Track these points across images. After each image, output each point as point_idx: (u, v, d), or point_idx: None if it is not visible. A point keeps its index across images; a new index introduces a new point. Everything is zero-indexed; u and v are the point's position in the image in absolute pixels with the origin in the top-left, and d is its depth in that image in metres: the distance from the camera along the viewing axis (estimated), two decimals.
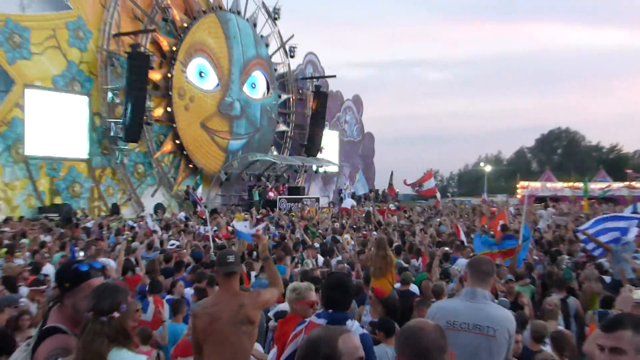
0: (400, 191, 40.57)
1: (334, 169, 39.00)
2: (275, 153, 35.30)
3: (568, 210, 26.54)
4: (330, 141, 39.65)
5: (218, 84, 31.81)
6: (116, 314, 2.92)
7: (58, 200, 24.27)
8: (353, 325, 3.83)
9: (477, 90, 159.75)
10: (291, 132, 38.38)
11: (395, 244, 12.15)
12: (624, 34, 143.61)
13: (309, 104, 39.06)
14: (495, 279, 7.66)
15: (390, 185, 37.47)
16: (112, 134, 26.04)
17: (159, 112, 28.72)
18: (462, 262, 9.45)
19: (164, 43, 28.94)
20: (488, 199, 34.96)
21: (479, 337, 3.68)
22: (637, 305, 4.55)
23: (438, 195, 30.68)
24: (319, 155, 37.60)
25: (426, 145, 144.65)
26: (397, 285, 8.18)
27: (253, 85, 34.70)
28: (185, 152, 30.00)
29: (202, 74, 30.96)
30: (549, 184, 49.34)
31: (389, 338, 5.29)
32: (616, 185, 46.72)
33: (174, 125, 29.32)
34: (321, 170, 37.17)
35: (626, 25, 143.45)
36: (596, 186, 45.06)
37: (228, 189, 32.80)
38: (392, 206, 30.26)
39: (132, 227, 18.06)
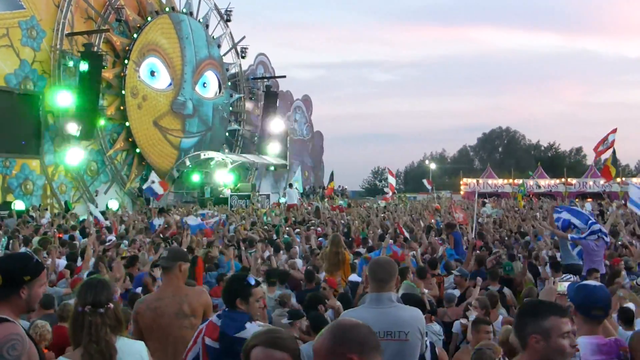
0: (349, 188, 41.09)
1: (284, 166, 39.49)
2: (227, 151, 35.62)
3: (504, 206, 28.04)
4: (280, 139, 40.14)
5: (171, 83, 32.22)
6: (111, 305, 3.11)
7: (10, 198, 24.33)
8: (251, 327, 3.59)
9: (423, 91, 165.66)
10: (242, 131, 39.11)
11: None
12: (559, 37, 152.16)
13: (260, 103, 39.88)
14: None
15: (330, 183, 38.28)
16: (64, 132, 26.18)
17: (112, 110, 28.99)
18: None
19: (117, 43, 29.28)
20: (434, 194, 36.53)
21: (391, 344, 3.58)
22: (561, 297, 4.62)
23: (389, 192, 31.37)
24: (269, 153, 38.36)
25: (374, 143, 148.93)
26: (354, 277, 8.28)
27: (205, 85, 35.14)
28: (138, 150, 30.37)
29: (154, 73, 31.28)
30: (490, 181, 51.34)
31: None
32: (553, 182, 49.61)
33: (127, 123, 29.67)
34: (271, 168, 37.80)
35: (561, 30, 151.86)
36: (535, 183, 48.01)
37: (180, 185, 33.15)
38: (341, 203, 30.98)
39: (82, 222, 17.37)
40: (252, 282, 3.81)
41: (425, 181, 42.01)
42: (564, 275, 6.77)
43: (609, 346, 3.27)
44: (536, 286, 8.44)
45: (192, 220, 14.35)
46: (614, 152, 16.45)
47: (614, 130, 16.67)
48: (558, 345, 2.57)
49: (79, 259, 9.81)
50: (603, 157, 16.81)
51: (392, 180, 32.46)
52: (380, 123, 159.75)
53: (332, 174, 38.98)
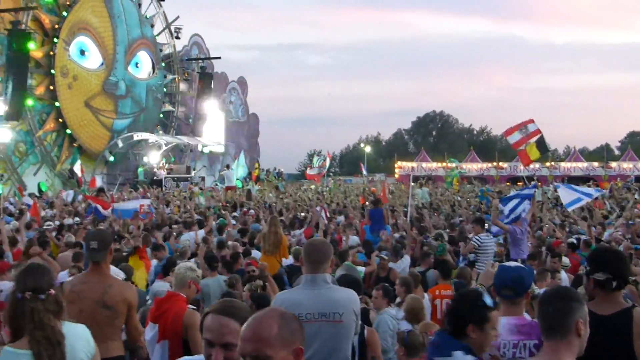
0: (285, 171, 41.45)
1: (219, 149, 39.15)
2: (161, 133, 35.23)
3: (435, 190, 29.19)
4: (216, 121, 39.73)
5: (102, 63, 31.58)
6: (52, 291, 3.02)
7: None
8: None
9: (357, 75, 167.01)
10: (177, 112, 38.47)
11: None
12: (488, 22, 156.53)
13: (195, 84, 39.21)
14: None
15: (255, 170, 38.29)
16: None
17: (41, 90, 28.17)
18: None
19: (46, 21, 28.39)
20: (368, 177, 36.95)
21: (327, 326, 3.58)
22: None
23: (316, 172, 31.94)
24: (204, 135, 38.01)
25: (309, 126, 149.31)
26: (290, 261, 8.46)
27: (137, 65, 34.55)
28: (69, 131, 29.68)
29: (84, 53, 30.55)
30: (424, 164, 52.12)
31: None
32: (485, 165, 51.14)
33: (57, 103, 28.90)
34: (206, 150, 37.28)
35: (491, 15, 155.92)
36: (467, 166, 49.32)
37: (113, 168, 32.66)
38: (279, 186, 31.75)
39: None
40: (490, 304, 3.01)
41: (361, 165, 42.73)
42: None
43: (528, 327, 3.24)
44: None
45: (121, 206, 13.84)
46: (542, 137, 17.37)
47: (532, 120, 17.66)
48: (587, 332, 2.61)
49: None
50: (524, 145, 17.65)
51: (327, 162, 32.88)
52: (315, 106, 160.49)
53: (257, 162, 39.13)
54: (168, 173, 32.37)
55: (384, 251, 8.64)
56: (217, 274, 7.22)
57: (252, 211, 15.85)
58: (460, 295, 3.39)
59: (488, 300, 3.01)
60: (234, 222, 13.29)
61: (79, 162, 28.19)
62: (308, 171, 32.48)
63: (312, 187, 30.72)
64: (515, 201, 9.89)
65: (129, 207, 13.53)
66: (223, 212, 15.20)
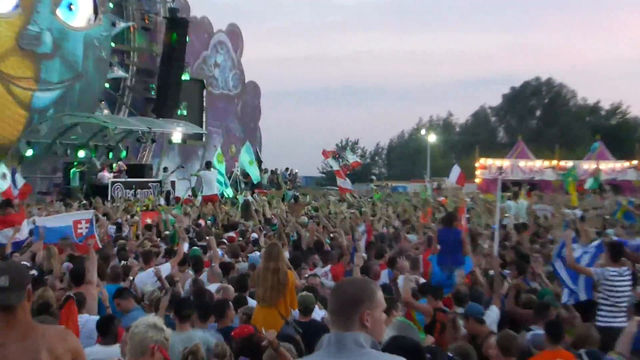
0: (301, 172, 36.66)
1: (198, 137, 33.27)
2: (106, 112, 30.07)
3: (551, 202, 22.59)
4: (192, 95, 33.77)
5: (17, 5, 26.29)
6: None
7: None
8: None
9: (415, 23, 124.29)
10: (132, 81, 32.63)
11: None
12: None
13: (160, 36, 32.55)
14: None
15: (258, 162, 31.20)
16: None
17: None
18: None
19: None
20: (432, 184, 29.46)
21: None
22: None
23: (346, 182, 23.92)
24: (174, 117, 31.50)
25: (338, 102, 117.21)
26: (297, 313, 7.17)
27: (71, 8, 28.39)
28: None
29: None
30: (522, 163, 41.58)
31: None
32: (619, 165, 40.83)
33: None
34: (177, 140, 30.41)
35: None
36: (590, 166, 38.05)
37: (32, 167, 27.03)
38: (287, 196, 25.70)
39: None
40: None
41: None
42: None
43: None
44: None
45: (51, 222, 11.29)
46: None
47: None
48: None
49: None
50: None
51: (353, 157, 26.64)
52: (348, 70, 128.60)
53: (255, 152, 30.42)
54: (117, 175, 26.11)
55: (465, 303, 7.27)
56: (189, 328, 6.18)
57: (253, 234, 13.49)
58: None
59: None
60: (221, 251, 10.63)
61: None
62: (341, 183, 24.35)
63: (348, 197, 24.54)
64: None
65: (57, 224, 11.19)
66: (207, 237, 11.79)
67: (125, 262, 9.73)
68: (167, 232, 13.89)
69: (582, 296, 7.78)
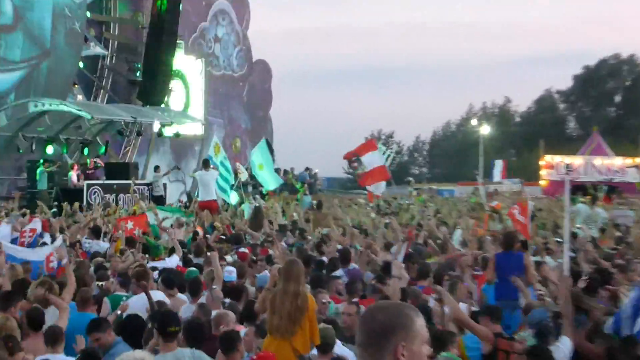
0: (320, 174, 34.10)
1: (194, 128, 29.77)
2: (80, 98, 27.98)
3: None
4: (188, 76, 30.65)
5: None
6: None
7: None
8: None
9: None
10: (112, 59, 30.24)
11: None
12: None
13: (146, 4, 29.56)
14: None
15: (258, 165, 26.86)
16: None
17: None
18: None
19: None
20: (486, 186, 25.86)
21: None
22: None
23: (380, 185, 20.33)
24: (166, 104, 28.81)
25: (368, 84, 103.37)
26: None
27: None
28: None
29: None
30: (597, 160, 36.69)
31: None
32: None
33: None
34: (168, 133, 26.94)
35: None
36: None
37: None
38: (304, 201, 23.75)
39: None
40: None
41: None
42: None
43: None
44: None
45: (20, 254, 10.56)
46: None
47: None
48: None
49: None
50: None
51: (375, 156, 20.87)
52: (380, 46, 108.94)
53: (266, 143, 26.50)
54: (91, 175, 23.95)
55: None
56: (175, 347, 5.70)
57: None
58: None
59: None
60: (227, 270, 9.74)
61: None
62: (371, 189, 20.88)
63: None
64: None
65: (28, 257, 10.40)
66: (209, 252, 10.94)
67: (102, 284, 9.26)
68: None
69: None
